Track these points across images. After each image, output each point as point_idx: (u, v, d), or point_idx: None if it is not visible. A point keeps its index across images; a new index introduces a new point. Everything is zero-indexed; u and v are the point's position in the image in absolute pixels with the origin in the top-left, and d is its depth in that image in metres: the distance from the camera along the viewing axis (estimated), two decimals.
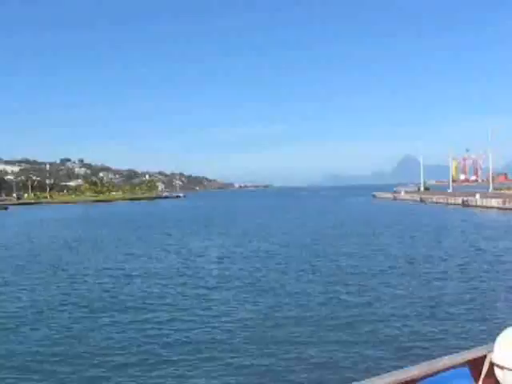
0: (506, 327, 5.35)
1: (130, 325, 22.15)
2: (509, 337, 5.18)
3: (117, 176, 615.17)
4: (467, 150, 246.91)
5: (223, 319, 22.67)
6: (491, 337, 5.43)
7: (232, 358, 17.55)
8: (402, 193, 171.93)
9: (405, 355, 17.16)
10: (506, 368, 5.05)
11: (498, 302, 25.60)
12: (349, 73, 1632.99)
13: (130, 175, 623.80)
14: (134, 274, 36.05)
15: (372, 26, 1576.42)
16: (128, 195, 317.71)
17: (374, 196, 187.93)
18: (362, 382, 3.90)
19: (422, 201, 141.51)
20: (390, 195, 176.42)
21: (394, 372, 4.86)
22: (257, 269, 36.96)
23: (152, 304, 26.21)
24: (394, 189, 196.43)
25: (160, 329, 21.34)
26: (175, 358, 17.53)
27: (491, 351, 5.33)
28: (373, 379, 4.03)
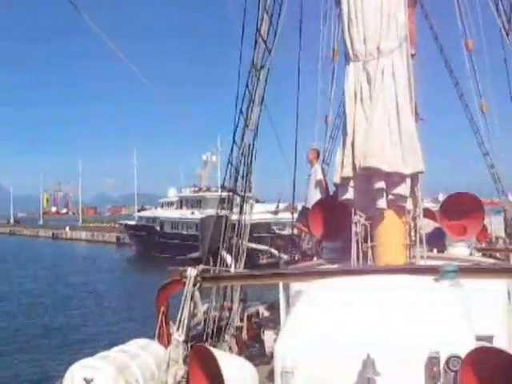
0: (71, 364, 5.56)
1: None
2: (73, 373, 5.39)
3: None
4: (59, 183, 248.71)
5: None
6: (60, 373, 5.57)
7: None
8: None
9: None
10: None
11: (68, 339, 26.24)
12: None
13: None
14: None
15: None
16: None
17: None
18: None
19: (11, 234, 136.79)
20: None
21: None
22: None
23: None
24: None
25: None
26: None
27: None
28: None
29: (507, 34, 8.22)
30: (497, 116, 12.66)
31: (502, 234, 14.51)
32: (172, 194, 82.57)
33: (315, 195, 10.30)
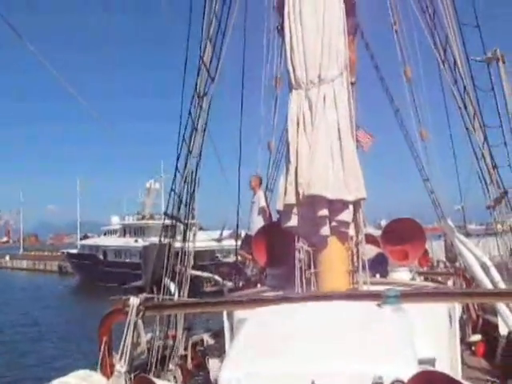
0: None
1: None
2: None
3: None
4: None
5: None
6: None
7: None
8: None
9: None
10: None
11: None
12: None
13: None
14: None
15: None
16: None
17: None
18: None
19: None
20: None
21: None
22: None
23: None
24: None
25: None
26: None
27: None
28: None
29: (443, 64, 8.50)
30: (435, 143, 13.07)
31: (443, 258, 14.86)
32: (115, 222, 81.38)
33: (258, 222, 10.29)
